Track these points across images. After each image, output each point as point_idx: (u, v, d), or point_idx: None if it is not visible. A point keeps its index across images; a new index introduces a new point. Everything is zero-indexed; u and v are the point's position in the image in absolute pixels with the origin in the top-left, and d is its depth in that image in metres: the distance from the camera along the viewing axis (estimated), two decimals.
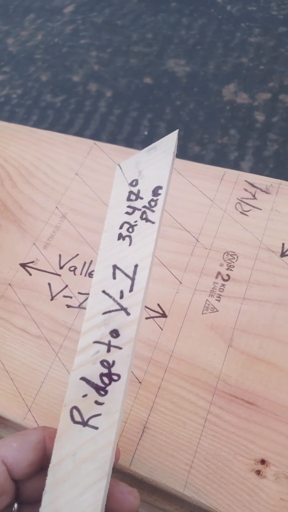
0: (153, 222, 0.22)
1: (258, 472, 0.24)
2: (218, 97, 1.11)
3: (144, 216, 0.22)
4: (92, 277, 0.31)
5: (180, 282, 0.30)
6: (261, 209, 0.31)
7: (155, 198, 0.23)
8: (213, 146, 1.01)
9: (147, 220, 0.22)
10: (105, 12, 1.21)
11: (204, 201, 0.33)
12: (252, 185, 0.33)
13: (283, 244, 0.30)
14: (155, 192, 0.23)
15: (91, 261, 0.31)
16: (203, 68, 1.14)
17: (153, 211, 0.22)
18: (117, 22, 1.15)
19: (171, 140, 0.23)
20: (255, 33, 1.11)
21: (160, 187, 0.23)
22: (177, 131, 0.23)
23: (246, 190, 0.33)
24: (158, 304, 0.29)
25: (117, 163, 0.35)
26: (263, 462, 0.24)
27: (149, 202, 0.23)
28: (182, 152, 0.97)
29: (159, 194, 0.23)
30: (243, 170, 0.93)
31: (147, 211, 0.22)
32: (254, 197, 0.32)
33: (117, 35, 1.17)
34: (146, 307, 0.29)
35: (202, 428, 0.25)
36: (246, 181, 0.33)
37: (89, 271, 0.31)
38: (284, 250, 0.30)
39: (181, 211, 0.32)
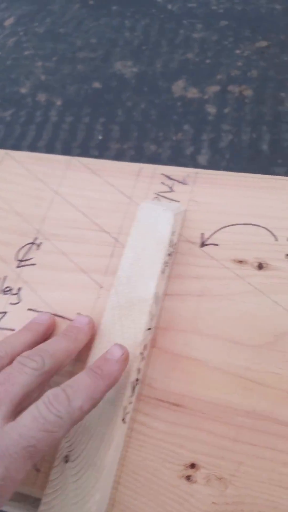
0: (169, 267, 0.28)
1: (188, 478, 0.23)
2: (168, 94, 1.11)
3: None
4: (6, 294, 0.29)
5: (101, 287, 0.28)
6: (179, 201, 0.30)
7: (173, 251, 0.29)
8: (169, 143, 1.00)
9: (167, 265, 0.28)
10: (46, 22, 1.20)
11: (121, 199, 0.31)
12: (169, 177, 0.31)
13: (202, 234, 0.29)
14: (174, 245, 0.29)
15: (5, 276, 0.30)
16: (151, 68, 1.13)
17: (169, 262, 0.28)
18: (59, 30, 1.13)
19: None
20: (198, 28, 1.11)
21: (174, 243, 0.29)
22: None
23: (163, 183, 0.31)
24: (78, 313, 0.28)
25: (32, 172, 0.34)
26: (193, 466, 0.23)
27: (172, 252, 0.28)
28: (138, 153, 0.96)
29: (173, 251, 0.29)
30: (201, 164, 0.93)
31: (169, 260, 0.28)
32: (172, 190, 0.31)
33: (61, 43, 1.16)
34: (63, 317, 0.27)
35: (129, 440, 0.24)
36: (162, 174, 0.32)
37: (3, 288, 0.29)
38: (204, 240, 0.29)
39: (98, 212, 0.31)
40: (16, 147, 0.93)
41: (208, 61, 1.10)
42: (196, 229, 0.29)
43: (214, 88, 1.06)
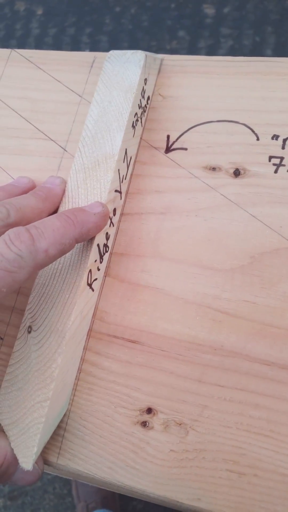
0: (142, 125, 0.24)
1: (144, 424, 0.19)
2: None
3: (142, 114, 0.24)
4: None
5: None
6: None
7: (147, 105, 0.24)
8: (163, 53, 0.89)
9: (140, 120, 0.23)
10: None
11: (71, 98, 0.25)
12: None
13: (168, 137, 0.23)
14: (147, 99, 0.24)
15: None
16: None
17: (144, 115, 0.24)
18: None
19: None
20: None
21: (149, 98, 0.24)
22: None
23: None
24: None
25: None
26: (149, 411, 0.19)
27: (145, 105, 0.24)
28: None
29: (149, 102, 0.24)
30: None
31: (143, 113, 0.24)
32: None
33: None
34: None
35: (76, 382, 0.20)
36: None
37: None
38: (169, 143, 0.23)
39: (43, 116, 0.25)
40: None
41: None
42: (161, 131, 0.23)
43: None
